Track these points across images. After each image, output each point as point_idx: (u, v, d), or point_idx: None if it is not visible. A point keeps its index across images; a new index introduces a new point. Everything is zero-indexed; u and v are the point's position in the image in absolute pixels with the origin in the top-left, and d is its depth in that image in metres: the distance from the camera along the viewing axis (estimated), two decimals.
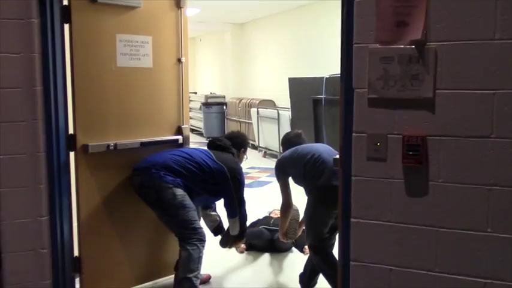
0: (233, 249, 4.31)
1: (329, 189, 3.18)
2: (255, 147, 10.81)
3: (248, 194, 6.83)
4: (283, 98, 9.76)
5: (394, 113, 2.16)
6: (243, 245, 4.30)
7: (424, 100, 2.10)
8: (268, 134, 9.99)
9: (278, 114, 9.40)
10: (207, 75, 16.32)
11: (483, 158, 2.04)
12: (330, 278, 3.40)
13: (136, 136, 3.40)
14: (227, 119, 12.79)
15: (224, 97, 13.41)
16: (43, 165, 3.04)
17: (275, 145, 9.39)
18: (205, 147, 3.76)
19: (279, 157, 3.89)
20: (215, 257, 4.12)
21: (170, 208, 3.25)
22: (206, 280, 3.82)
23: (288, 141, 3.86)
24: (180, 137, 3.66)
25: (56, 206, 3.08)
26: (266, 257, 4.27)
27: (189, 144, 3.73)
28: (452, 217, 2.10)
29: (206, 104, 13.04)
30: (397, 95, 2.15)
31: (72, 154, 3.18)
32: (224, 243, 3.83)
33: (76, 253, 3.26)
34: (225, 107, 12.92)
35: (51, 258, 3.12)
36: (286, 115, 9.06)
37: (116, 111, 3.31)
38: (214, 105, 12.99)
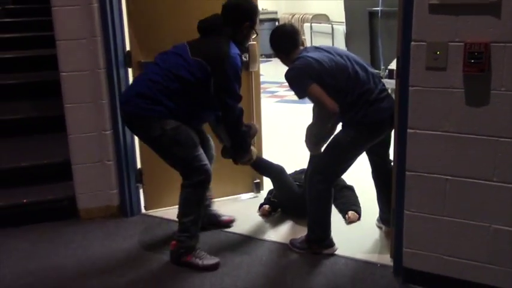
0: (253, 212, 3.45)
1: (375, 124, 2.63)
2: None
3: (294, 110, 6.76)
4: (337, 12, 9.43)
5: (457, 19, 2.07)
6: (267, 206, 3.41)
7: (490, 4, 1.99)
8: None
9: (332, 28, 9.14)
10: None
11: None
12: (309, 211, 2.84)
13: None
14: None
15: (276, 13, 13.10)
16: (104, 81, 3.16)
17: None
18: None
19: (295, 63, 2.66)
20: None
21: (162, 147, 2.67)
22: (228, 222, 3.24)
23: (288, 37, 2.77)
24: None
25: (118, 120, 3.22)
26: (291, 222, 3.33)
27: None
28: None
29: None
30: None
31: (130, 71, 3.26)
32: (224, 153, 2.99)
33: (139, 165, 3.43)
34: (277, 23, 12.66)
35: (116, 169, 3.31)
36: (341, 29, 8.79)
37: (170, 29, 3.29)
38: (266, 22, 12.68)
